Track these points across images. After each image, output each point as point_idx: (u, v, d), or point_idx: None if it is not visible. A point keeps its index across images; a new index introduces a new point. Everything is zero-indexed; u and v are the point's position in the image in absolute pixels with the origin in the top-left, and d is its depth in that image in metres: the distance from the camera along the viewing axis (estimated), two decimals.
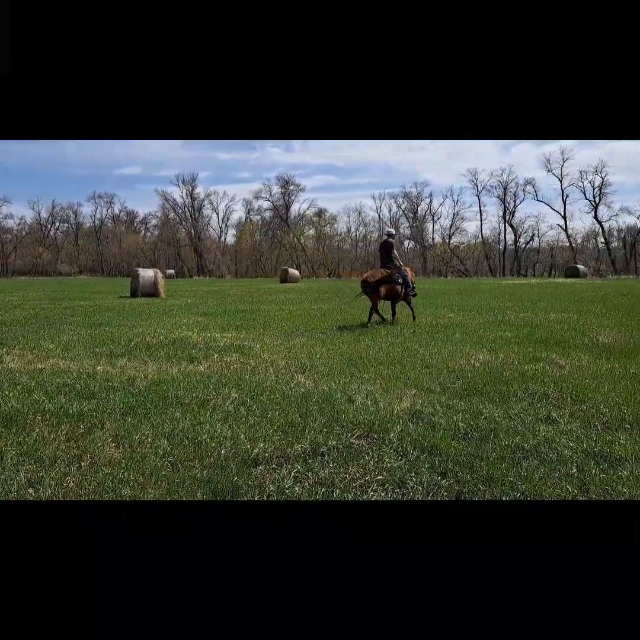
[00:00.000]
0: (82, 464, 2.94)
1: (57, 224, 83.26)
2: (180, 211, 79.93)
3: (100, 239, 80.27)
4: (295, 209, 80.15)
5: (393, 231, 10.81)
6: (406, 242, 77.39)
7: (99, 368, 5.51)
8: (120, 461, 2.97)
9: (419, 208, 75.76)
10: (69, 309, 13.43)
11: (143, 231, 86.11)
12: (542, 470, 2.84)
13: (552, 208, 66.64)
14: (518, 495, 2.58)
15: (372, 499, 2.58)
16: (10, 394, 4.36)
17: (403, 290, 9.57)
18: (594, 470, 2.82)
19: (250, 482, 2.72)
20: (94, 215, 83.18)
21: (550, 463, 2.93)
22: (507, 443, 3.21)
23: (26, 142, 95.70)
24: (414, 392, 4.47)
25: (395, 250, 9.85)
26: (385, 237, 10.40)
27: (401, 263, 9.91)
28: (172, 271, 57.35)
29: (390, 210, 78.76)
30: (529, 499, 2.55)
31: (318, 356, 6.17)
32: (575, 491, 2.61)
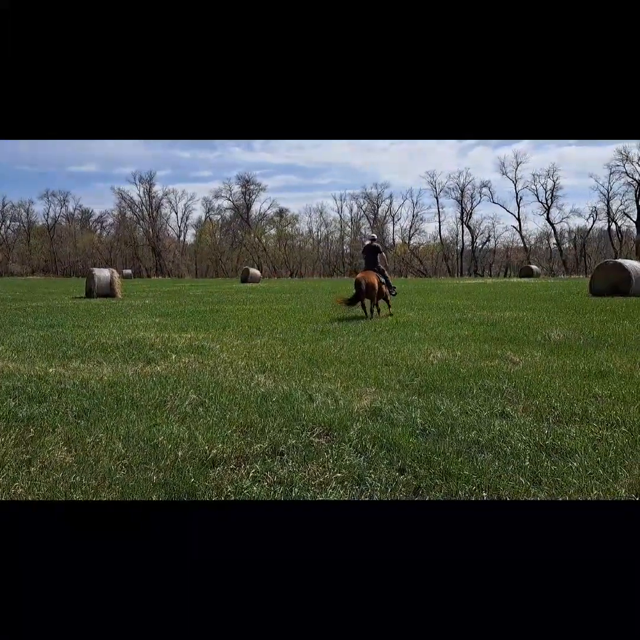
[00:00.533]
0: (32, 468, 2.82)
1: (8, 222, 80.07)
2: (137, 210, 78.20)
3: (54, 238, 77.58)
4: (256, 208, 79.70)
5: (375, 236, 11.59)
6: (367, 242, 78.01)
7: (51, 370, 5.32)
8: (72, 465, 2.87)
9: (379, 209, 76.63)
10: (20, 310, 12.91)
11: (99, 230, 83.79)
12: (496, 463, 2.91)
13: (507, 210, 68.66)
14: (474, 488, 2.63)
15: (370, 500, 2.58)
16: None
17: (386, 290, 10.63)
18: (545, 463, 2.91)
19: (207, 484, 2.68)
20: (47, 214, 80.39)
21: (505, 457, 3.01)
22: (463, 438, 3.28)
23: None
24: (373, 389, 4.51)
25: (382, 253, 10.79)
26: (368, 242, 10.99)
27: (385, 266, 10.77)
28: (129, 271, 56.10)
29: (351, 210, 79.27)
30: (487, 495, 2.61)
31: (279, 356, 6.15)
32: (528, 483, 2.68)
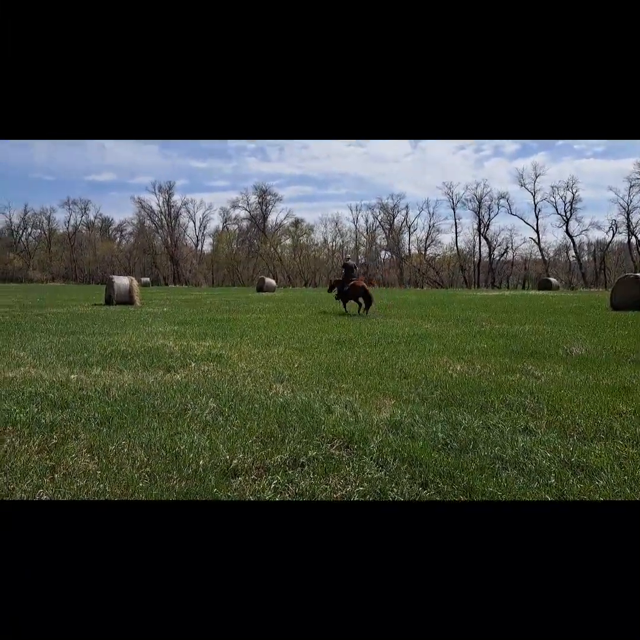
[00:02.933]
0: (56, 475, 2.85)
1: (29, 229, 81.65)
2: (156, 219, 79.28)
3: (74, 245, 78.88)
4: (272, 218, 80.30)
5: (349, 256, 16.81)
6: (383, 252, 78.16)
7: (72, 377, 5.38)
8: (95, 472, 2.89)
9: (395, 219, 76.67)
10: (41, 317, 13.12)
11: (118, 238, 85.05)
12: (521, 480, 2.86)
13: (525, 222, 68.23)
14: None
15: (370, 500, 2.59)
16: None
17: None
18: (571, 480, 2.86)
19: (229, 494, 2.67)
20: (68, 222, 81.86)
21: (529, 474, 2.96)
22: (486, 453, 3.23)
23: None
24: (392, 402, 4.48)
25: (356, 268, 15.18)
26: (346, 261, 15.29)
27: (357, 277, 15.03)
28: (148, 279, 56.71)
29: (366, 220, 79.52)
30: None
31: (296, 366, 6.15)
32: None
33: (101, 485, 2.70)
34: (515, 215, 73.53)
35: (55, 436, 3.47)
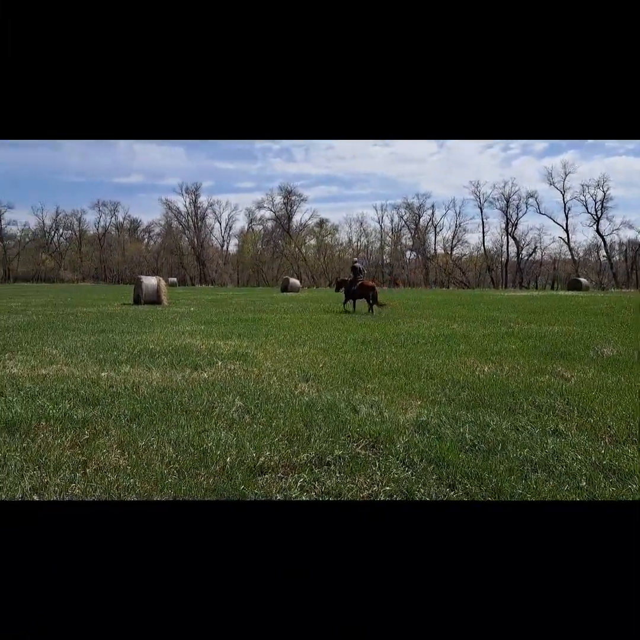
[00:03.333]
0: (88, 470, 2.92)
1: (61, 230, 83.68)
2: (183, 220, 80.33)
3: (104, 246, 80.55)
4: (297, 219, 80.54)
5: (357, 259, 17.31)
6: (408, 252, 77.62)
7: (103, 374, 5.50)
8: (125, 468, 2.95)
9: (420, 219, 76.06)
10: (72, 316, 13.44)
11: (146, 239, 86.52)
12: (551, 483, 2.81)
13: (554, 221, 66.93)
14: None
15: (370, 500, 2.60)
16: (14, 400, 4.34)
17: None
18: (603, 484, 2.80)
19: (256, 491, 2.70)
20: (98, 223, 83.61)
21: (559, 476, 2.91)
22: (515, 455, 3.19)
23: (23, 150, 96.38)
24: (419, 403, 4.45)
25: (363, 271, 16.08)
26: (354, 263, 16.26)
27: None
28: (174, 279, 57.49)
29: (391, 220, 79.12)
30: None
31: (321, 365, 6.16)
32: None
33: (131, 481, 2.76)
34: (544, 214, 72.34)
35: (87, 432, 3.55)
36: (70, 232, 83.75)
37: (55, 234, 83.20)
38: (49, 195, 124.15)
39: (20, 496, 2.60)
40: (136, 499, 2.55)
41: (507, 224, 69.16)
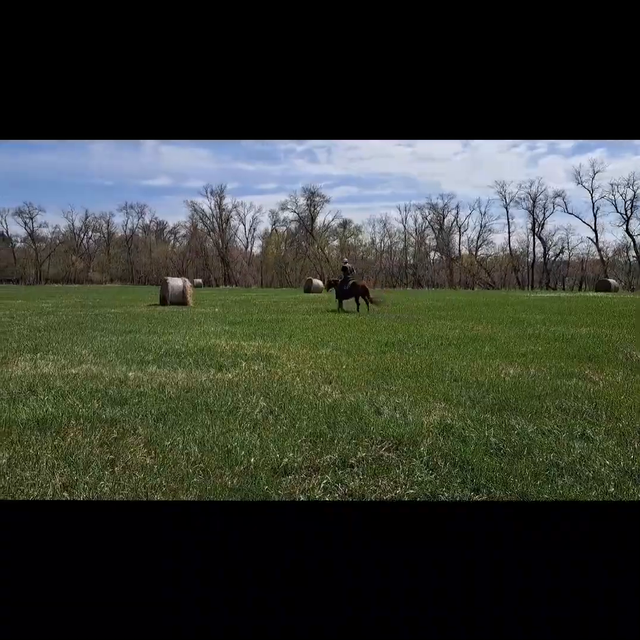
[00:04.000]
0: (116, 468, 2.98)
1: (90, 233, 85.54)
2: (208, 222, 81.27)
3: (131, 248, 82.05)
4: (320, 220, 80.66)
5: (346, 259, 19.18)
6: (432, 253, 76.99)
7: (130, 374, 5.61)
8: (152, 467, 3.00)
9: (445, 219, 75.39)
10: (100, 316, 13.73)
11: (172, 241, 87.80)
12: (578, 488, 2.76)
13: (582, 221, 65.76)
14: None
15: (370, 500, 2.64)
16: (46, 399, 4.47)
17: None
18: (632, 490, 2.74)
19: (280, 492, 2.72)
20: (125, 225, 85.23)
21: (587, 481, 2.86)
22: (541, 460, 3.14)
23: (52, 154, 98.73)
24: (443, 405, 4.42)
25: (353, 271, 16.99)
26: (345, 264, 17.02)
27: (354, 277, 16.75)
28: (200, 280, 58.14)
29: (415, 221, 78.62)
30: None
31: (344, 367, 6.16)
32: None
33: (158, 480, 2.81)
34: (571, 214, 71.09)
35: (115, 431, 3.63)
36: (98, 234, 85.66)
37: (85, 236, 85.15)
38: (79, 197, 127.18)
39: (51, 493, 2.68)
40: (134, 500, 2.59)
41: (533, 224, 68.09)
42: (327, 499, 2.66)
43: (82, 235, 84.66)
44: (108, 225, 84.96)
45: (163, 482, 2.79)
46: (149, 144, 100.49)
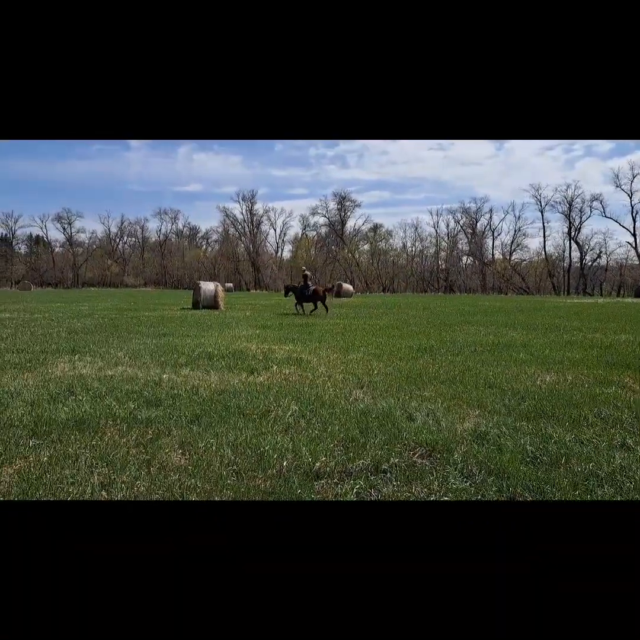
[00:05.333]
0: (151, 469, 3.04)
1: (125, 238, 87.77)
2: (239, 227, 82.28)
3: (165, 252, 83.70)
4: (350, 224, 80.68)
5: (305, 268, 21.27)
6: (464, 257, 75.98)
7: (164, 376, 5.71)
8: (186, 468, 3.05)
9: (477, 223, 74.35)
10: (135, 319, 14.03)
11: (204, 246, 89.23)
12: (618, 499, 2.67)
13: (621, 225, 63.73)
14: None
15: (370, 500, 2.67)
16: (84, 399, 4.59)
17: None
18: None
19: (313, 496, 2.72)
20: (159, 230, 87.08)
21: (628, 492, 2.76)
22: (579, 469, 3.05)
23: (89, 162, 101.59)
24: (477, 412, 4.35)
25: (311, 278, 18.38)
26: (305, 272, 18.60)
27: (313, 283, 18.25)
28: (231, 285, 58.84)
29: (447, 225, 77.80)
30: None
31: (375, 372, 6.13)
32: None
33: (193, 481, 2.85)
34: (609, 218, 69.31)
35: (150, 432, 3.70)
36: (133, 239, 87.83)
37: (120, 241, 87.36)
38: (115, 204, 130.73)
39: (90, 491, 2.74)
40: (135, 499, 2.62)
41: (569, 228, 66.51)
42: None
43: (117, 240, 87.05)
44: (143, 231, 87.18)
45: (197, 483, 2.83)
46: (182, 151, 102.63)
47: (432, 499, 2.70)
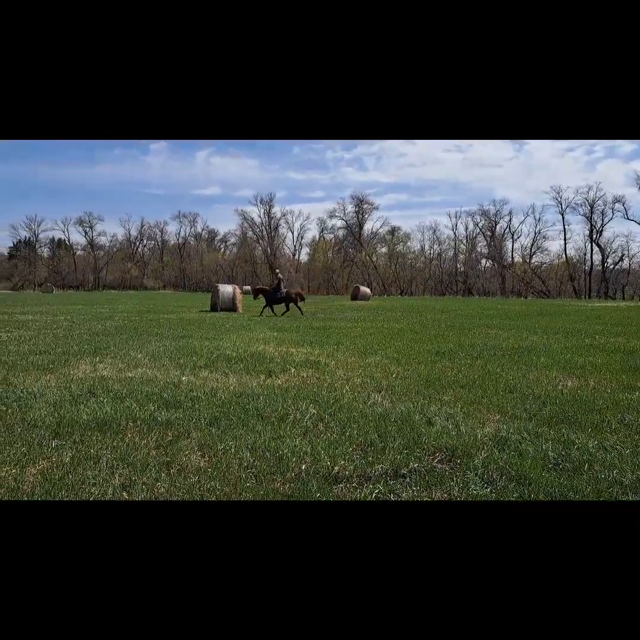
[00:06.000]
0: (171, 470, 3.06)
1: (145, 241, 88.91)
2: (257, 230, 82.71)
3: (184, 255, 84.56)
4: (368, 227, 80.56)
5: (278, 270, 21.50)
6: (483, 260, 75.30)
7: (183, 378, 5.75)
8: (206, 470, 3.06)
9: (497, 226, 73.64)
10: (154, 322, 14.18)
11: (223, 249, 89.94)
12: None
13: None
14: None
15: (370, 500, 2.69)
16: (105, 400, 4.64)
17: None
18: None
19: (332, 500, 2.71)
20: (178, 233, 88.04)
21: None
22: (603, 476, 3.00)
23: (112, 166, 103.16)
24: (497, 417, 4.29)
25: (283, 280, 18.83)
26: (278, 275, 19.33)
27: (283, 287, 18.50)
28: (248, 287, 59.12)
29: (466, 228, 77.21)
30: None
31: (394, 376, 6.10)
32: None
33: (212, 483, 2.86)
34: (632, 220, 67.58)
35: (170, 434, 3.73)
36: (153, 242, 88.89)
37: (140, 244, 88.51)
38: (135, 207, 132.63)
39: (111, 492, 2.77)
40: (133, 500, 2.63)
41: (591, 231, 65.50)
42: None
43: (137, 243, 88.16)
44: (162, 234, 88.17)
45: (217, 485, 2.84)
46: (201, 155, 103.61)
47: None
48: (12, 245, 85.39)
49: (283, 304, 18.24)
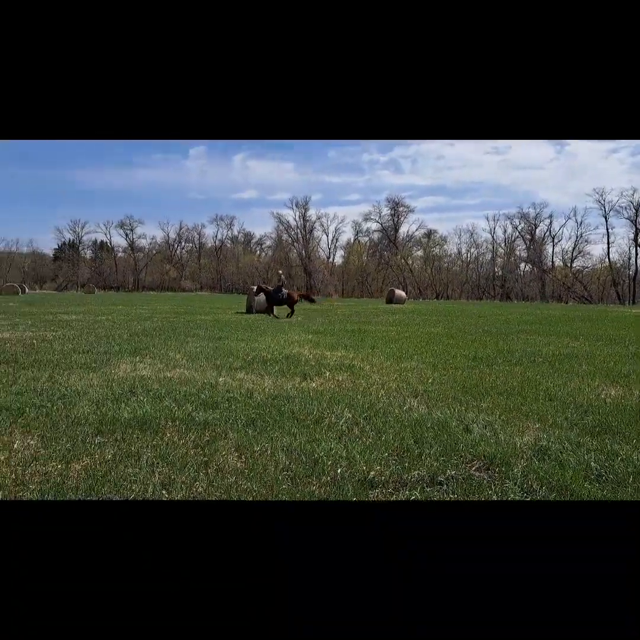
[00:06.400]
0: (209, 470, 3.11)
1: (183, 243, 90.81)
2: (292, 233, 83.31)
3: (220, 258, 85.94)
4: (404, 230, 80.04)
5: (281, 271, 20.93)
6: (522, 264, 73.68)
7: (220, 379, 5.84)
8: (243, 471, 3.10)
9: (537, 229, 71.97)
10: (192, 323, 14.45)
11: (258, 251, 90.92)
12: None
13: None
14: None
15: (370, 500, 2.71)
16: (145, 400, 4.76)
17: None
18: None
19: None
20: (216, 236, 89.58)
21: None
22: None
23: (152, 171, 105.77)
24: (537, 426, 4.19)
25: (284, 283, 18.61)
26: (280, 276, 18.93)
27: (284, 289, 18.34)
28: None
29: (504, 231, 75.76)
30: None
31: (430, 381, 6.03)
32: None
33: (249, 484, 2.90)
34: None
35: (207, 434, 3.80)
36: (191, 244, 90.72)
37: (178, 247, 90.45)
38: (175, 211, 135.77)
39: (151, 490, 2.84)
40: (133, 499, 2.66)
41: (636, 235, 63.21)
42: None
43: (176, 245, 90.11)
44: (200, 237, 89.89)
45: (254, 486, 2.87)
46: (238, 159, 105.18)
47: None
48: (57, 247, 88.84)
49: (286, 306, 18.08)
